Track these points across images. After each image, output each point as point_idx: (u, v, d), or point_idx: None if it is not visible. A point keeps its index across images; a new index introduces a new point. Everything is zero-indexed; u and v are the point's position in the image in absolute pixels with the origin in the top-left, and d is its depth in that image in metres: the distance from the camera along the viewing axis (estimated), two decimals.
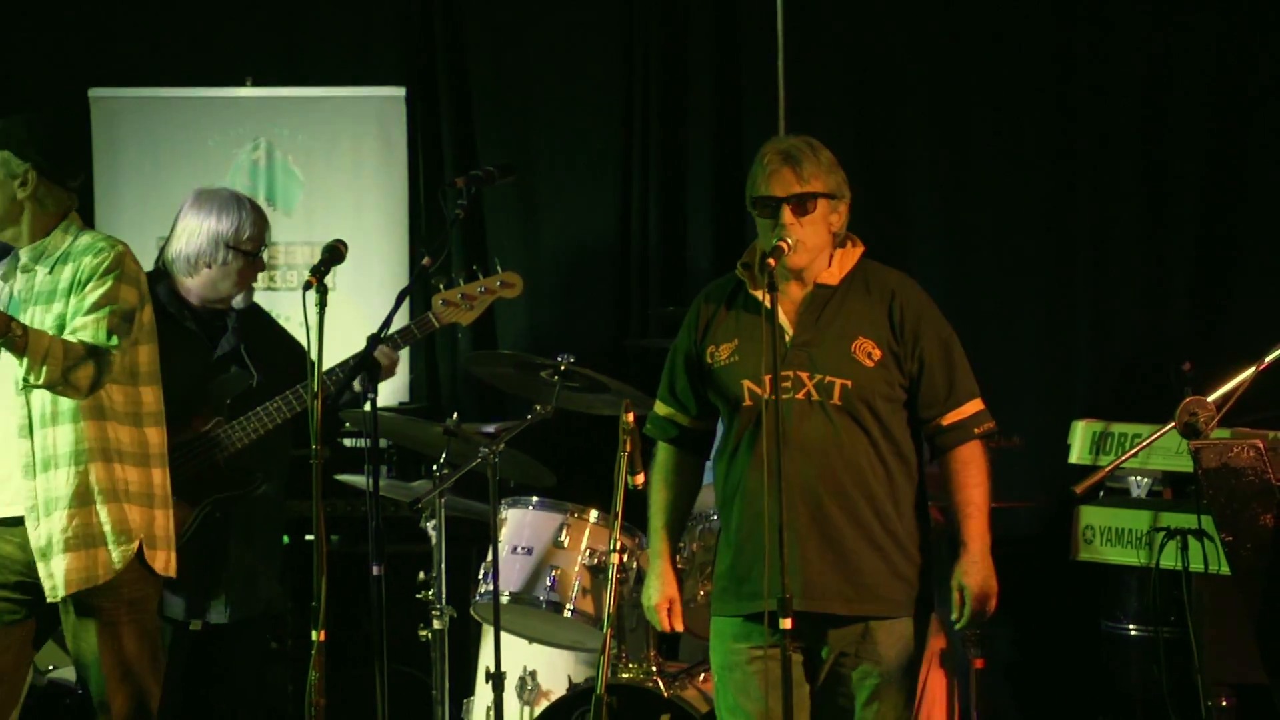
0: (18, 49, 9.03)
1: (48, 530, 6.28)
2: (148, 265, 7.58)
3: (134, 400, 6.43)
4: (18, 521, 6.33)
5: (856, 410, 6.11)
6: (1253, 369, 6.29)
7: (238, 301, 7.62)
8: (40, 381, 6.16)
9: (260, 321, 7.76)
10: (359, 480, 7.58)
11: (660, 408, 6.42)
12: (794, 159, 6.09)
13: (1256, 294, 8.38)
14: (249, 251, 7.53)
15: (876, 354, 6.15)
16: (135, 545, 6.39)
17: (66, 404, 6.28)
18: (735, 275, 6.26)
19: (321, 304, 6.20)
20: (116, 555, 6.34)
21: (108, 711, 6.42)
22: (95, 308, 6.26)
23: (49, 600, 6.32)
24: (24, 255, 6.41)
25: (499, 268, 7.43)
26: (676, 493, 6.44)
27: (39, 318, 6.27)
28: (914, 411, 6.20)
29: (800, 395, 6.09)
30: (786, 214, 6.09)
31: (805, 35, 8.71)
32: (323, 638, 6.13)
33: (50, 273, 6.38)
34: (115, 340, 6.26)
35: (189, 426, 7.41)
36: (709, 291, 6.37)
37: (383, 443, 7.55)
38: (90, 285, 6.29)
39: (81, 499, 6.30)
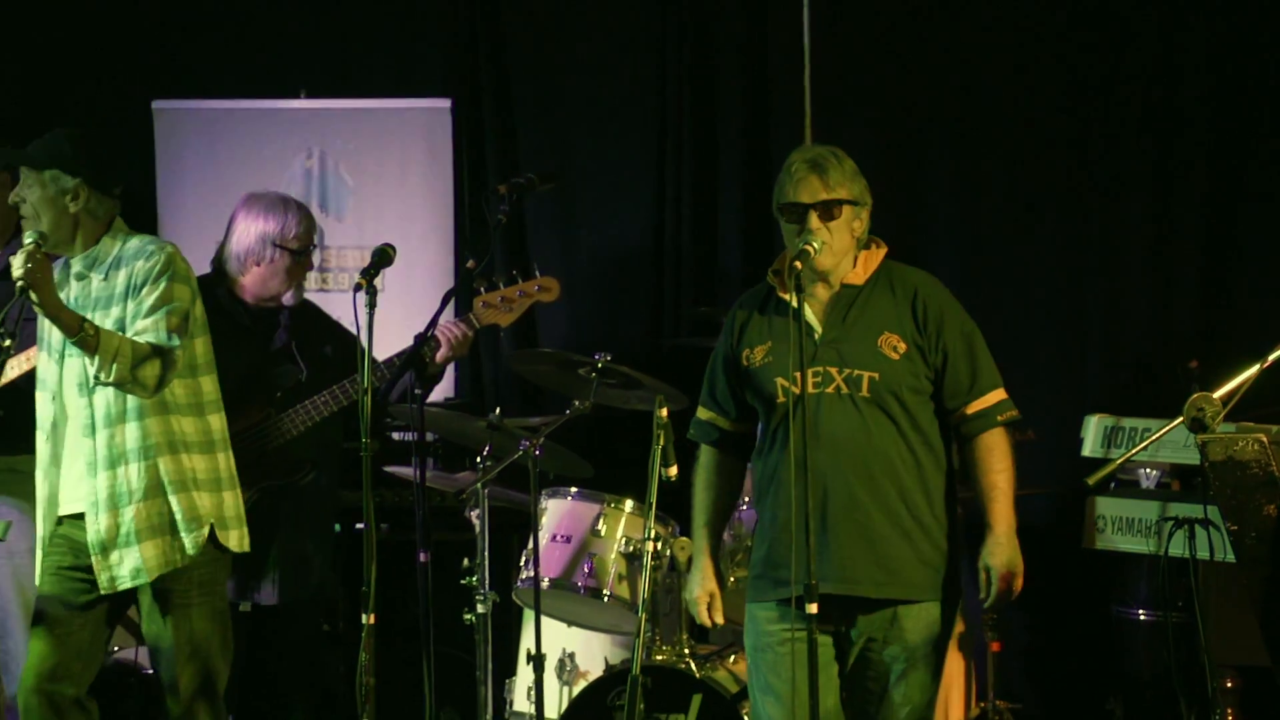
0: (83, 62, 9.03)
1: (111, 524, 6.31)
2: (207, 268, 7.63)
3: (194, 391, 6.47)
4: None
5: (884, 402, 6.12)
6: (1257, 367, 6.27)
7: (288, 299, 7.62)
8: (111, 379, 6.19)
9: (312, 318, 7.76)
10: (407, 472, 7.59)
11: (702, 412, 6.44)
12: (821, 167, 6.12)
13: (1261, 295, 8.34)
14: (295, 250, 7.55)
15: (902, 348, 6.16)
16: (206, 531, 6.43)
17: (132, 402, 6.31)
18: (767, 282, 6.27)
19: (371, 305, 6.22)
20: (189, 541, 6.38)
21: (176, 690, 6.45)
22: (154, 309, 6.28)
23: (104, 592, 6.35)
24: (76, 264, 6.42)
25: (537, 272, 7.43)
26: (718, 493, 6.46)
27: (99, 321, 6.27)
28: (940, 402, 6.20)
29: (830, 389, 6.12)
30: (813, 219, 6.11)
31: (830, 49, 8.71)
32: (373, 621, 6.14)
33: (105, 279, 6.39)
34: (176, 339, 6.29)
35: (240, 418, 7.41)
36: (742, 300, 6.40)
37: (429, 436, 7.53)
38: (146, 288, 6.30)
39: (153, 491, 6.34)
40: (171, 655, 6.43)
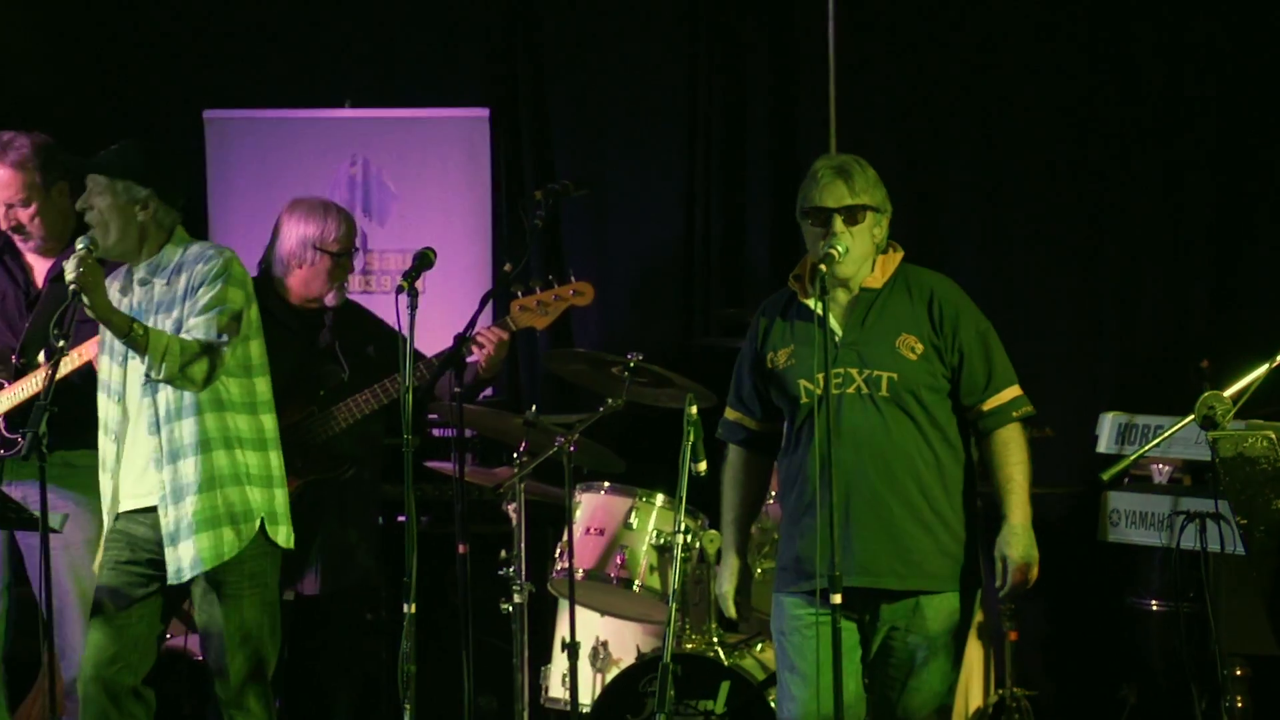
0: (136, 73, 9.05)
1: (177, 516, 6.34)
2: (255, 271, 7.63)
3: (249, 391, 6.50)
4: (153, 510, 6.39)
5: (903, 400, 6.14)
6: (1266, 366, 6.26)
7: (330, 300, 7.63)
8: (161, 376, 6.23)
9: (355, 319, 7.76)
10: (447, 467, 7.58)
11: (729, 413, 6.47)
12: (846, 174, 6.15)
13: (1270, 296, 8.33)
14: (335, 253, 7.56)
15: (919, 348, 6.17)
16: (257, 523, 6.46)
17: (189, 399, 6.34)
18: (788, 288, 6.28)
19: (413, 306, 6.25)
20: (242, 533, 6.41)
21: (226, 676, 6.46)
22: (207, 309, 6.31)
23: (171, 583, 6.38)
24: (140, 270, 6.45)
25: (572, 277, 7.43)
26: (746, 491, 6.48)
27: (160, 324, 6.32)
28: (957, 399, 6.22)
29: (851, 390, 6.14)
30: (838, 223, 6.13)
31: (855, 61, 8.72)
32: (414, 610, 6.15)
33: (167, 284, 6.43)
34: (225, 338, 6.32)
35: (284, 416, 7.41)
36: (764, 306, 6.42)
37: (468, 433, 7.53)
38: (202, 289, 6.34)
39: (208, 484, 6.36)
40: (222, 643, 6.45)
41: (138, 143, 6.47)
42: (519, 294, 7.40)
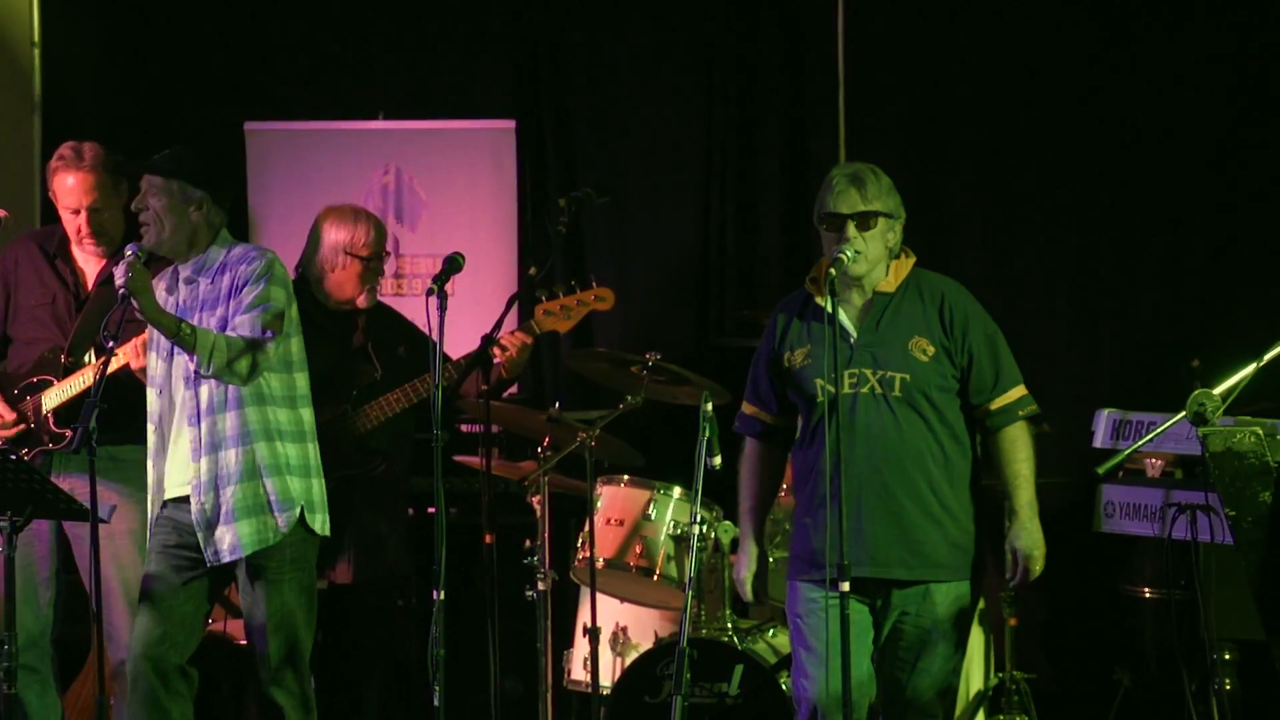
0: (180, 86, 9.07)
1: (215, 503, 6.37)
2: (293, 274, 7.64)
3: (289, 385, 6.53)
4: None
5: (915, 401, 6.16)
6: (1253, 365, 6.25)
7: (361, 302, 7.63)
8: (209, 372, 6.28)
9: (387, 321, 7.77)
10: (474, 461, 7.58)
11: (746, 408, 6.48)
12: (860, 181, 6.17)
13: (1257, 301, 8.32)
14: (365, 257, 7.57)
15: (930, 350, 6.19)
16: (297, 511, 6.48)
17: (232, 392, 6.38)
18: (804, 289, 6.29)
19: (442, 308, 6.26)
20: (282, 520, 6.44)
21: (266, 658, 6.49)
22: (251, 307, 6.34)
23: (209, 565, 6.41)
24: (187, 269, 6.48)
25: (594, 283, 7.43)
26: (761, 481, 6.51)
27: (205, 321, 6.37)
28: (966, 398, 6.23)
29: (865, 390, 6.16)
30: (851, 228, 6.15)
31: (862, 76, 8.74)
32: (442, 597, 6.15)
33: (212, 283, 6.47)
34: (270, 334, 6.36)
35: (318, 413, 7.42)
36: (782, 305, 6.43)
37: (495, 429, 7.53)
38: (246, 289, 6.38)
39: (250, 474, 6.40)
40: (263, 626, 6.48)
41: (193, 145, 6.53)
42: (543, 298, 7.40)
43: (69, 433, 6.99)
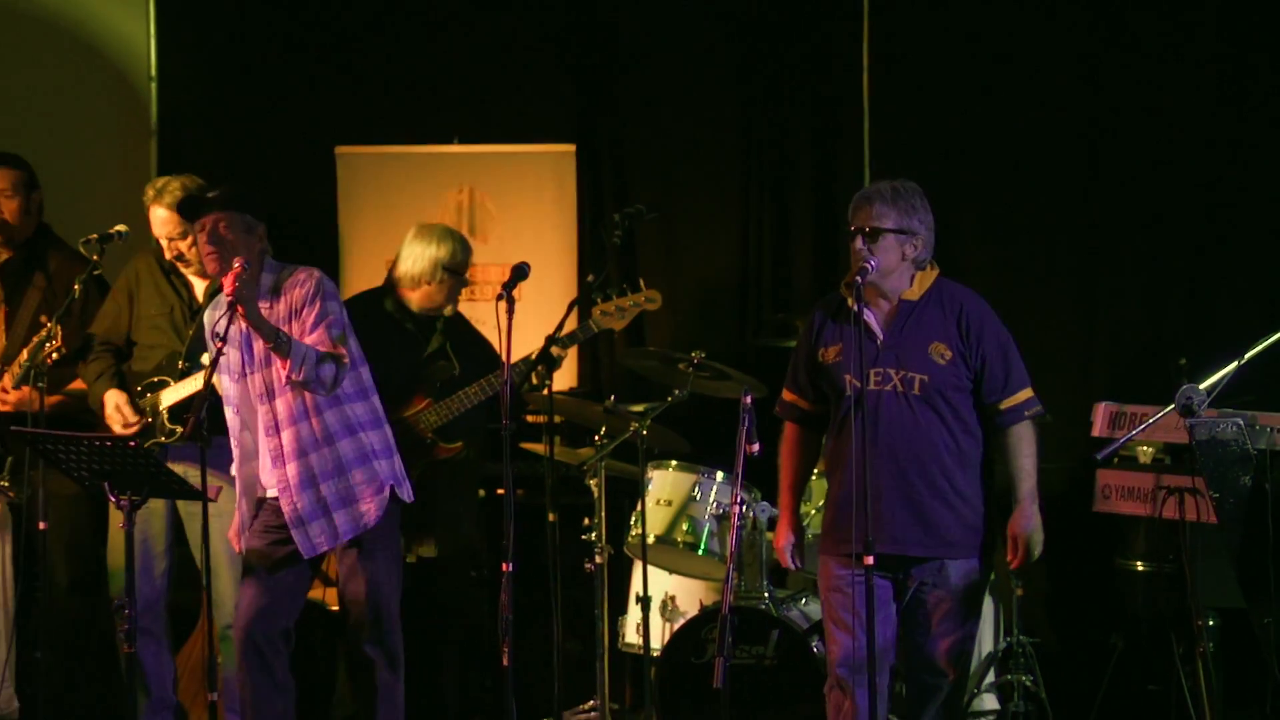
0: (278, 113, 9.08)
1: (306, 502, 6.40)
2: (379, 283, 7.68)
3: (358, 380, 6.53)
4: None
5: (932, 399, 6.18)
6: (1235, 364, 6.26)
7: (447, 311, 7.67)
8: (300, 378, 6.29)
9: (462, 326, 7.81)
10: (539, 447, 7.60)
11: (786, 395, 6.52)
12: (869, 200, 6.24)
13: (1238, 304, 8.28)
14: (458, 272, 7.59)
15: (948, 354, 6.20)
16: (388, 492, 6.51)
17: (309, 400, 6.39)
18: (838, 295, 6.31)
19: (510, 311, 6.30)
20: (376, 505, 6.47)
21: (361, 624, 6.53)
22: (317, 323, 6.36)
23: (306, 557, 6.45)
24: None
25: (643, 286, 7.45)
26: (799, 460, 6.54)
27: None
28: (978, 398, 6.24)
29: (888, 388, 6.19)
30: (858, 241, 6.16)
31: (886, 108, 8.71)
32: (510, 569, 6.16)
33: (270, 307, 6.43)
34: (341, 345, 6.36)
35: (408, 405, 7.46)
36: (818, 307, 6.50)
37: (557, 418, 7.55)
38: (306, 309, 6.38)
39: (339, 470, 6.43)
40: (359, 594, 6.52)
41: (246, 182, 6.51)
42: (599, 300, 7.43)
43: (180, 428, 7.05)
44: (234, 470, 6.58)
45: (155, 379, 7.22)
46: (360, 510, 6.45)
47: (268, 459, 6.45)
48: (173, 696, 7.48)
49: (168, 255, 7.30)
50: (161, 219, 7.29)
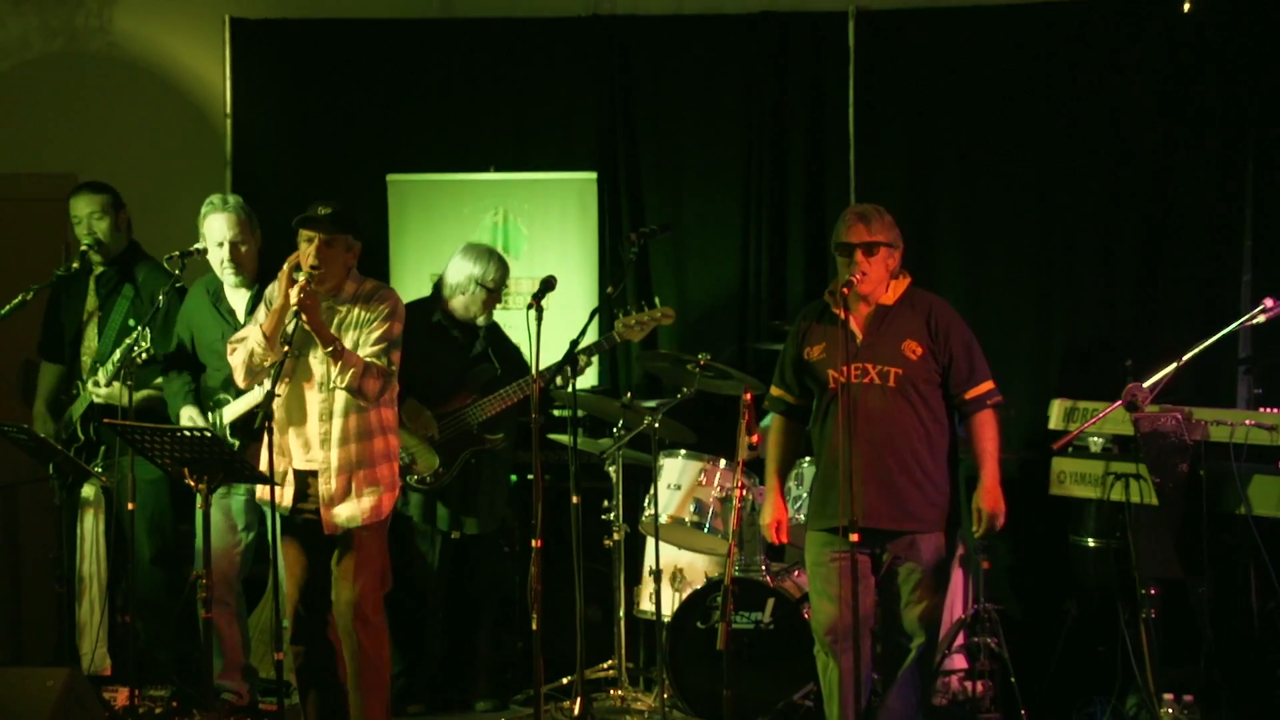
0: (338, 145, 9.09)
1: (340, 485, 6.36)
2: (427, 292, 7.71)
3: (392, 390, 6.47)
4: (315, 474, 6.42)
5: (906, 390, 6.21)
6: (1174, 365, 6.29)
7: (482, 320, 7.71)
8: (345, 384, 6.26)
9: (499, 334, 7.86)
10: (564, 438, 7.63)
11: (775, 390, 6.58)
12: (866, 218, 6.25)
13: (1177, 313, 8.29)
14: (490, 288, 7.63)
15: (919, 351, 6.23)
16: (398, 490, 6.51)
17: (350, 400, 6.36)
18: (823, 300, 6.34)
19: (539, 319, 6.32)
20: (389, 499, 6.46)
21: (352, 594, 6.42)
22: (379, 340, 6.34)
23: (327, 534, 6.39)
24: (326, 299, 6.40)
25: (658, 303, 7.48)
26: (785, 448, 6.59)
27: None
28: (946, 390, 6.27)
29: (867, 380, 6.21)
30: (859, 255, 6.20)
31: (870, 140, 8.72)
32: (539, 545, 6.20)
33: (347, 312, 6.42)
34: (393, 366, 6.35)
35: (455, 400, 7.51)
36: (804, 312, 6.51)
37: (580, 413, 7.58)
38: (375, 323, 6.35)
39: (371, 462, 6.40)
40: (351, 572, 6.43)
41: (345, 204, 6.48)
42: (620, 315, 7.46)
43: (237, 441, 7.08)
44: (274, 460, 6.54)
45: (219, 396, 7.29)
46: (381, 501, 6.42)
47: (317, 440, 6.41)
48: (244, 659, 7.52)
49: (215, 261, 7.31)
50: (216, 225, 7.30)
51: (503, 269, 7.74)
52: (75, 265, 7.74)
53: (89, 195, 7.72)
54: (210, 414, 7.28)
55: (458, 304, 7.71)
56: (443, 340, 7.70)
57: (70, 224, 7.80)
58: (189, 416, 7.26)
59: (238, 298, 7.34)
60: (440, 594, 7.83)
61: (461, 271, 7.68)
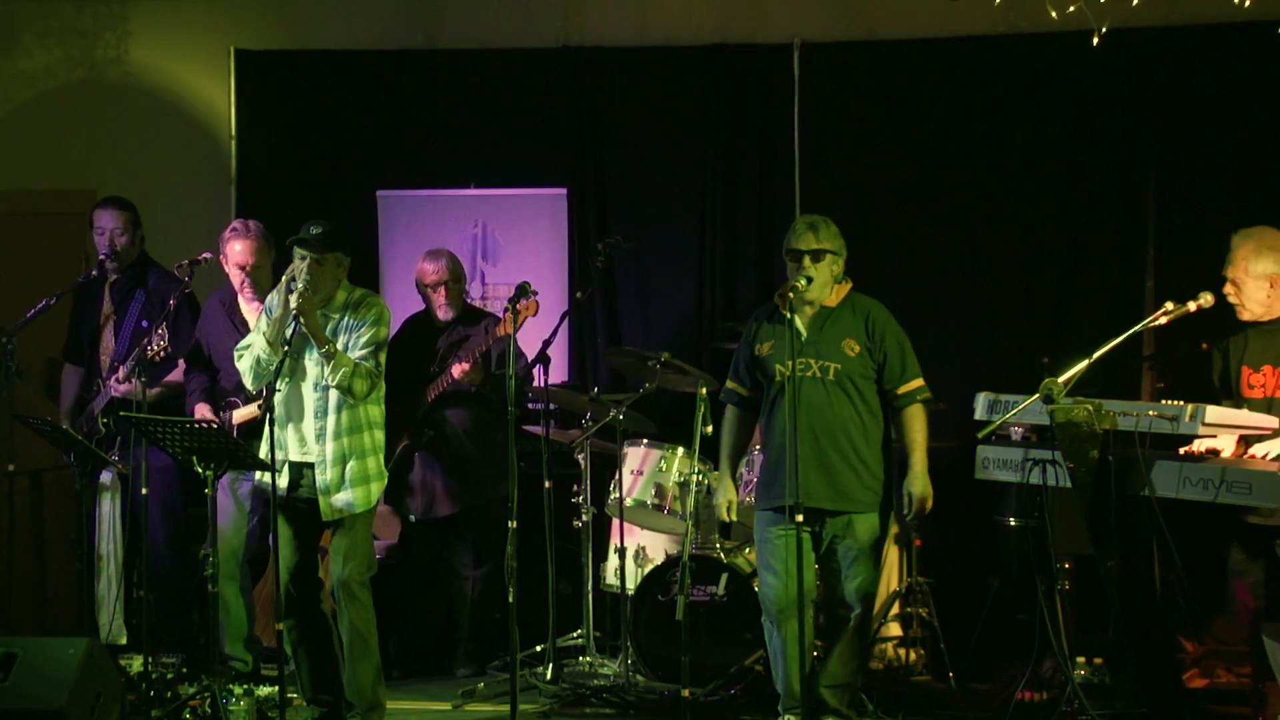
0: (333, 162, 9.06)
1: (335, 476, 6.33)
2: (412, 295, 7.69)
3: (379, 389, 6.46)
4: (311, 466, 6.38)
5: (844, 384, 6.22)
6: (1085, 362, 6.30)
7: (441, 315, 7.65)
8: (335, 383, 6.24)
9: (466, 327, 7.75)
10: (536, 429, 7.64)
11: (729, 383, 6.59)
12: (815, 227, 6.27)
13: (1090, 316, 8.32)
14: (426, 285, 7.56)
15: (856, 349, 6.23)
16: (385, 480, 6.47)
17: (342, 397, 6.33)
18: (773, 302, 6.35)
19: (515, 320, 6.30)
20: (377, 488, 6.44)
21: (346, 579, 6.42)
22: (367, 344, 6.33)
23: (324, 519, 6.37)
24: (319, 308, 6.37)
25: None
26: (737, 436, 6.59)
27: None
28: (881, 385, 6.27)
29: (809, 374, 6.23)
30: (806, 261, 6.21)
31: (814, 164, 8.74)
32: (515, 525, 6.19)
33: (340, 319, 6.40)
34: (380, 368, 6.34)
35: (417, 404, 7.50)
36: (756, 313, 6.52)
37: (551, 406, 7.57)
38: (364, 328, 6.33)
39: (361, 454, 6.38)
40: (344, 556, 6.42)
41: (333, 221, 6.45)
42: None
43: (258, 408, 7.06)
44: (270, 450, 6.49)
45: (230, 399, 7.27)
46: (370, 491, 6.40)
47: (312, 434, 6.38)
48: (251, 630, 7.50)
49: (235, 282, 7.31)
50: (237, 251, 7.31)
51: (433, 268, 7.65)
52: (94, 274, 7.73)
53: (115, 210, 7.73)
54: (221, 414, 7.26)
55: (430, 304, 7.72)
56: (425, 336, 7.71)
57: (91, 233, 7.77)
58: (201, 416, 7.23)
59: (250, 310, 7.33)
60: (423, 572, 7.84)
61: (414, 276, 7.69)
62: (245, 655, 7.40)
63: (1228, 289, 6.49)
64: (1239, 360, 6.55)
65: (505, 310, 6.54)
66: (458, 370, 7.43)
